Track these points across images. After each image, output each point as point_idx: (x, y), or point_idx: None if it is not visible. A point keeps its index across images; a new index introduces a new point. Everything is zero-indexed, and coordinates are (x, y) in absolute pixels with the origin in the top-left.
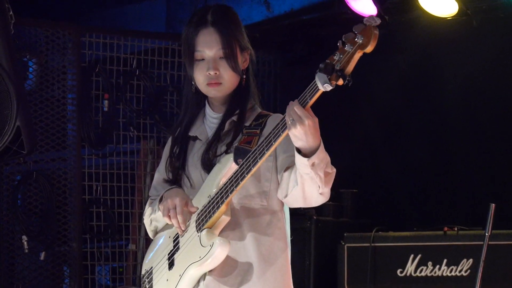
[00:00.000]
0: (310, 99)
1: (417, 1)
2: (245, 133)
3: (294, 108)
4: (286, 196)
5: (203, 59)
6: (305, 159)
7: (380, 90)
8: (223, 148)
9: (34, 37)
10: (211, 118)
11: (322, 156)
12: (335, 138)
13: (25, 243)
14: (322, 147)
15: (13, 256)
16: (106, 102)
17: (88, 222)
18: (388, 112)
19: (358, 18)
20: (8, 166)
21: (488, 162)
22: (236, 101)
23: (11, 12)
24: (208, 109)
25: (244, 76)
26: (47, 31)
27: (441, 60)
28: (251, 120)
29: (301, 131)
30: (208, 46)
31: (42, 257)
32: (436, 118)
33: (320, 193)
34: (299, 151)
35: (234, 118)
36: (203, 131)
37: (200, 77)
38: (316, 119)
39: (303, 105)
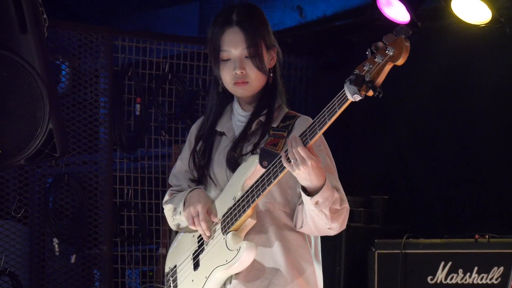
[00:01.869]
0: (329, 118)
1: (450, 8)
2: (272, 134)
3: (298, 149)
4: (301, 227)
5: (229, 59)
6: (308, 197)
7: (411, 97)
8: (249, 148)
9: (67, 40)
10: (239, 116)
11: (326, 195)
12: (366, 145)
13: (56, 245)
14: (327, 186)
15: (43, 259)
16: (138, 106)
17: (119, 225)
18: (419, 118)
19: (391, 25)
20: (40, 168)
21: None
22: (264, 100)
23: (44, 15)
24: (236, 106)
25: (271, 75)
26: (80, 34)
27: (473, 67)
28: (279, 121)
29: (305, 172)
30: (234, 45)
31: (72, 260)
32: (467, 124)
33: (329, 228)
34: (304, 189)
35: (262, 118)
36: (230, 128)
37: (227, 77)
38: (319, 158)
39: (305, 143)
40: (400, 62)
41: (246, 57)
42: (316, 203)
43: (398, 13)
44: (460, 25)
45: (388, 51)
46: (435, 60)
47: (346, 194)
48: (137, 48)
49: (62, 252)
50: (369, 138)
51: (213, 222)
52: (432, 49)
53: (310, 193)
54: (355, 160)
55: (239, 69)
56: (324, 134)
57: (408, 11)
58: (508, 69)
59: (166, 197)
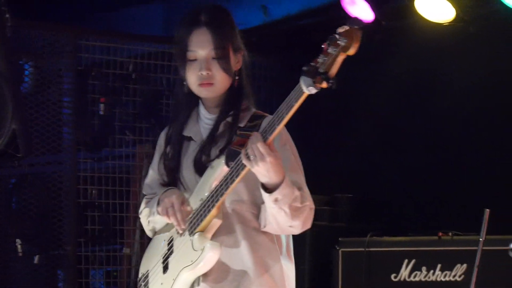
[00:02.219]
0: (286, 113)
1: (414, 7)
2: (239, 134)
3: (257, 145)
4: (265, 226)
5: (195, 59)
6: (267, 194)
7: (376, 95)
8: (217, 151)
9: (31, 40)
10: (206, 119)
11: (285, 191)
12: (331, 144)
13: (19, 246)
14: (286, 182)
15: (7, 260)
16: (102, 105)
17: (83, 225)
18: (384, 117)
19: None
20: (2, 169)
21: (484, 168)
22: (229, 102)
23: (7, 15)
24: (202, 110)
25: (237, 77)
26: (44, 33)
27: (437, 66)
28: (246, 121)
29: (264, 168)
30: (201, 46)
31: (36, 261)
32: (431, 123)
33: (290, 226)
34: (264, 187)
35: (229, 119)
36: (197, 132)
37: (192, 77)
38: (278, 155)
39: (264, 139)
40: (351, 52)
41: (213, 58)
42: (275, 200)
43: (362, 12)
44: (424, 24)
45: (340, 41)
46: (400, 58)
47: (311, 193)
48: (102, 48)
49: (26, 253)
50: (335, 137)
51: (187, 214)
52: (397, 48)
53: (269, 190)
54: (320, 159)
55: (205, 70)
56: (288, 132)
57: (372, 9)
58: (472, 67)
59: (142, 206)
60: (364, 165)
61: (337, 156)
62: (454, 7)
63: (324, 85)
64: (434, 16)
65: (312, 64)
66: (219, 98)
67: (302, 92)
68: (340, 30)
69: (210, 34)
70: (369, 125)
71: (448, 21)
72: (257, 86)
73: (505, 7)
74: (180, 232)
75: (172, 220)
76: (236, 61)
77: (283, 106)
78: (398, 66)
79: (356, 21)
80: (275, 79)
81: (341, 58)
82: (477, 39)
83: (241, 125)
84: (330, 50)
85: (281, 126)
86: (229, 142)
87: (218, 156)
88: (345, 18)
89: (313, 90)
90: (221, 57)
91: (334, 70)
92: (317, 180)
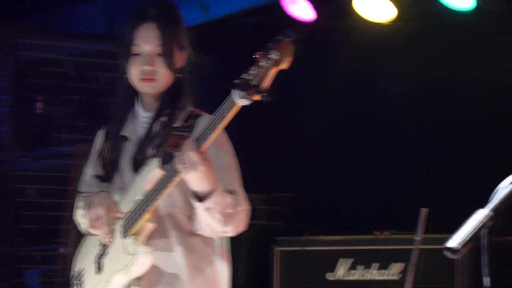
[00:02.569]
0: (219, 123)
1: (352, 6)
2: (173, 135)
3: (189, 153)
4: (199, 230)
5: (139, 54)
6: (199, 203)
7: (316, 94)
8: (153, 150)
9: None
10: (142, 117)
11: (217, 200)
12: (270, 143)
13: None
14: (218, 191)
15: None
16: (40, 104)
17: (18, 225)
18: (323, 116)
19: (296, 23)
20: None
21: (421, 168)
22: (167, 100)
23: None
24: (138, 108)
25: (179, 75)
26: None
27: (379, 65)
28: (182, 120)
29: (196, 177)
30: (147, 41)
31: None
32: (370, 123)
33: (223, 232)
34: (195, 194)
35: (164, 118)
36: (133, 131)
37: (134, 72)
38: (212, 163)
39: (198, 146)
40: (283, 66)
41: (157, 54)
42: (207, 208)
43: (302, 11)
44: (363, 23)
45: (272, 55)
46: (341, 58)
47: (249, 192)
48: (41, 46)
49: None
50: (274, 137)
51: (117, 219)
52: (338, 47)
53: (201, 198)
54: (259, 158)
55: (148, 65)
56: (228, 132)
57: (313, 9)
58: (414, 67)
59: (75, 204)
60: (303, 164)
61: (276, 155)
62: (396, 6)
63: (257, 97)
64: (374, 16)
65: (244, 76)
66: (158, 95)
67: (234, 104)
68: (274, 41)
69: (157, 29)
70: (307, 124)
71: (389, 21)
72: (198, 85)
73: (444, 7)
74: (107, 244)
75: (98, 233)
76: (180, 59)
77: (216, 116)
78: (339, 66)
79: (289, 33)
80: (216, 77)
81: (273, 71)
82: (418, 38)
83: (177, 124)
84: (262, 63)
85: (214, 136)
86: (165, 141)
87: (153, 156)
88: (286, 17)
89: (246, 102)
90: (166, 54)
91: (266, 83)
92: (256, 179)
